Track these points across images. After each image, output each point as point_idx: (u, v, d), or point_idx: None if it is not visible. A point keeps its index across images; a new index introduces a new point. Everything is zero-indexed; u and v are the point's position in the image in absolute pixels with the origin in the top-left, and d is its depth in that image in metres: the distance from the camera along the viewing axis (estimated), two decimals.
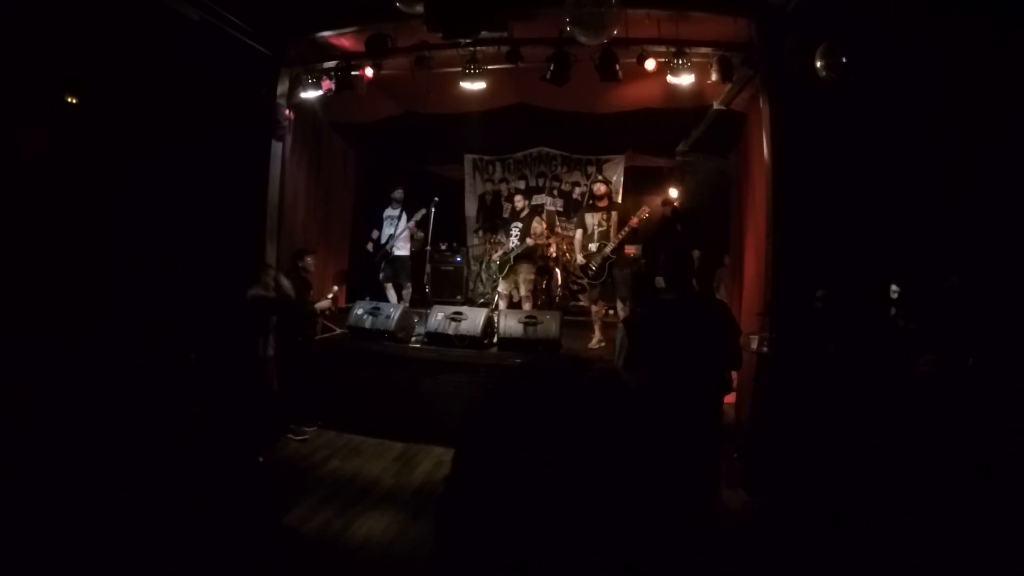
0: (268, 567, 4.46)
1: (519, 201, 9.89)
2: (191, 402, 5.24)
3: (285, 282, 6.81)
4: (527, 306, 9.21)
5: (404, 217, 9.64)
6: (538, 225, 9.25)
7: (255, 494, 5.68)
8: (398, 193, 9.79)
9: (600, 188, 8.70)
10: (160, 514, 4.72)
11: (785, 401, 5.30)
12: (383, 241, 9.66)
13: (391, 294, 9.78)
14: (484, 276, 10.82)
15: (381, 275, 9.71)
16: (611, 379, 0.70)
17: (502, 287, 9.56)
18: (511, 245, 9.41)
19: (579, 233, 8.68)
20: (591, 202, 9.01)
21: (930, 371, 3.10)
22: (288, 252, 8.02)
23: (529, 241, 9.15)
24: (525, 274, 9.31)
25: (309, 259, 7.67)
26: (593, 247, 8.43)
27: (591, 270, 8.38)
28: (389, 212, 9.79)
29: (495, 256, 9.65)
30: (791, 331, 5.83)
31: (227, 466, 5.86)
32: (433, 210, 9.35)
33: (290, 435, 7.15)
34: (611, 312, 9.61)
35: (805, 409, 3.94)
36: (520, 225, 9.45)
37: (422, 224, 9.56)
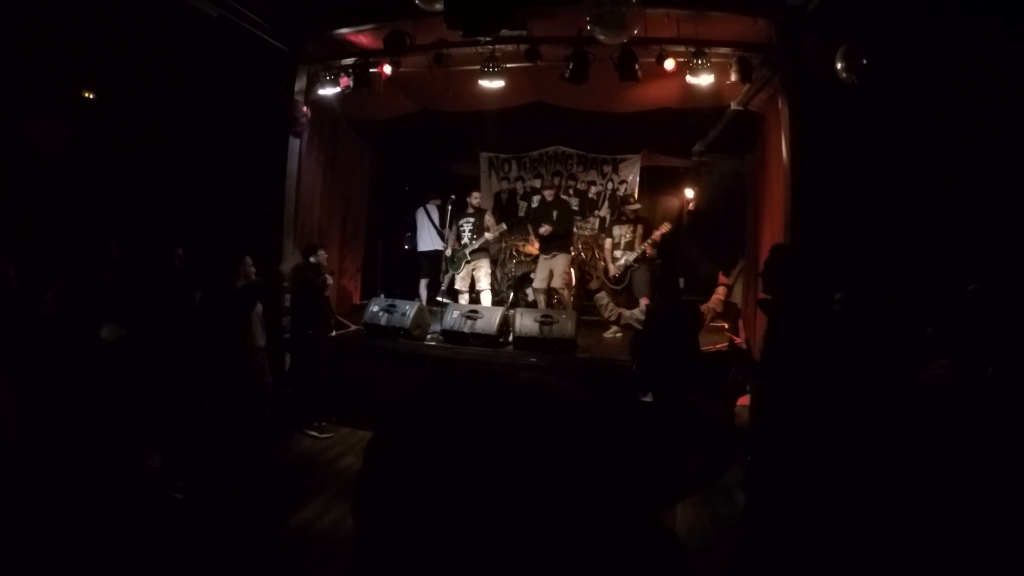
0: (275, 566, 4.46)
1: (475, 198, 9.83)
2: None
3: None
4: (486, 298, 9.49)
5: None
6: (491, 220, 9.59)
7: (260, 492, 5.67)
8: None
9: (632, 208, 9.28)
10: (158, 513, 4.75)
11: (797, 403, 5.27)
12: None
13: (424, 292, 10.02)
14: (499, 275, 10.81)
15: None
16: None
17: (459, 283, 9.60)
18: (464, 240, 9.44)
19: (608, 243, 9.18)
20: (619, 215, 9.47)
21: (944, 375, 3.08)
22: (302, 248, 8.01)
23: (488, 236, 9.40)
24: (485, 268, 9.58)
25: (321, 253, 7.64)
26: (619, 254, 8.89)
27: (615, 277, 8.88)
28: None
29: (447, 251, 9.64)
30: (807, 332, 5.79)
31: (228, 464, 5.86)
32: (449, 208, 9.39)
33: (313, 432, 7.15)
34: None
35: (817, 411, 3.89)
36: (472, 220, 9.49)
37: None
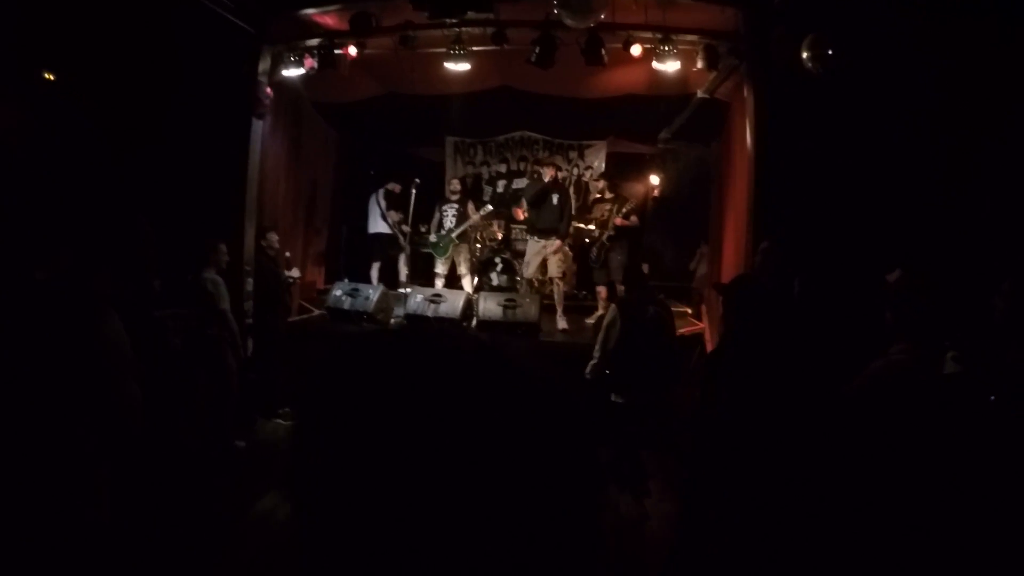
0: (236, 555, 4.40)
1: (455, 184, 9.94)
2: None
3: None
4: (467, 283, 9.58)
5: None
6: (472, 206, 9.59)
7: (224, 480, 5.56)
8: (393, 185, 9.93)
9: (598, 184, 9.38)
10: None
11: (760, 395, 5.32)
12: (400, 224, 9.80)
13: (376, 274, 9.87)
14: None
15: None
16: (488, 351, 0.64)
17: (439, 267, 9.61)
18: (447, 226, 9.46)
19: (593, 222, 9.05)
20: (598, 195, 9.50)
21: (903, 361, 3.11)
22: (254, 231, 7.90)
23: (474, 219, 9.47)
24: (465, 253, 9.66)
25: (272, 236, 7.50)
26: (593, 228, 8.85)
27: (592, 254, 8.78)
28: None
29: (431, 236, 9.61)
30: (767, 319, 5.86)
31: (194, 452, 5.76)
32: (414, 191, 9.32)
33: (279, 419, 7.04)
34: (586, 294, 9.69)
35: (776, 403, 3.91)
36: (456, 207, 9.53)
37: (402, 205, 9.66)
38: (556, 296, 8.61)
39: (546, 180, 8.72)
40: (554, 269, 8.54)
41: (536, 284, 9.04)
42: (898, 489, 2.88)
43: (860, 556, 2.87)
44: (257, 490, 5.28)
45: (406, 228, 9.78)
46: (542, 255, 8.56)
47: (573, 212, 9.11)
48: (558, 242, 8.47)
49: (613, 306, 5.81)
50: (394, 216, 9.79)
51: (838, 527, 2.99)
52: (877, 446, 3.04)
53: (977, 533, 2.62)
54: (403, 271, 9.97)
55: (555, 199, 8.58)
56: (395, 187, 9.89)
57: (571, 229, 8.90)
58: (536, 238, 8.67)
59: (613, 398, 5.62)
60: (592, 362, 5.78)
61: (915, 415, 2.96)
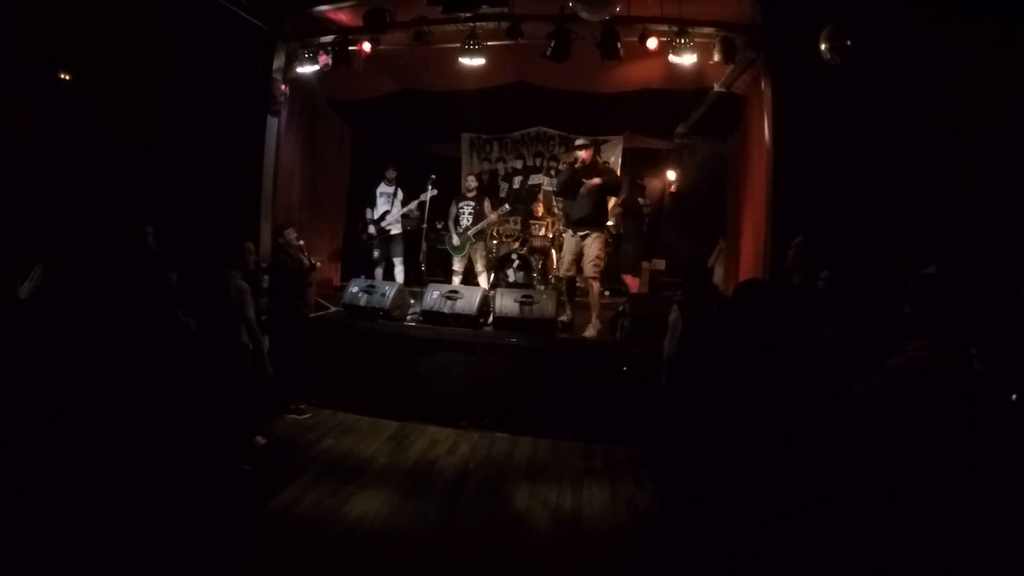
0: (253, 551, 4.39)
1: (471, 181, 9.93)
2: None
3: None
4: (483, 280, 9.63)
5: (400, 195, 9.74)
6: (488, 205, 9.62)
7: (240, 476, 5.56)
8: (391, 172, 9.87)
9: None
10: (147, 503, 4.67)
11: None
12: (376, 218, 9.69)
13: (379, 272, 9.82)
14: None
15: (376, 253, 9.77)
16: None
17: (457, 264, 9.73)
18: (464, 224, 9.53)
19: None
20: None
21: (920, 357, 3.05)
22: (272, 228, 7.90)
23: (492, 218, 9.55)
24: (481, 250, 9.74)
25: (289, 232, 7.46)
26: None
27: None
28: (383, 189, 9.79)
29: (454, 239, 9.62)
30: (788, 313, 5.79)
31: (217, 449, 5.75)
32: (431, 189, 9.29)
33: (291, 414, 7.11)
34: (607, 293, 9.61)
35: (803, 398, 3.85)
36: (472, 204, 9.58)
37: (419, 204, 9.55)
38: (592, 299, 7.84)
39: (578, 165, 7.86)
40: (589, 268, 7.66)
41: (558, 281, 8.71)
42: (910, 487, 2.83)
43: (867, 555, 2.82)
44: (270, 486, 5.30)
45: (372, 229, 9.82)
46: (577, 248, 7.73)
47: (614, 197, 8.93)
48: (599, 235, 7.71)
49: (675, 306, 5.49)
50: (369, 214, 9.87)
51: (845, 525, 2.94)
52: (891, 443, 2.98)
53: (992, 531, 2.57)
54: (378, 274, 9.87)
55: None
56: (392, 173, 9.90)
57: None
58: (571, 232, 7.88)
59: None
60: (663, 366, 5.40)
61: (931, 413, 2.91)
